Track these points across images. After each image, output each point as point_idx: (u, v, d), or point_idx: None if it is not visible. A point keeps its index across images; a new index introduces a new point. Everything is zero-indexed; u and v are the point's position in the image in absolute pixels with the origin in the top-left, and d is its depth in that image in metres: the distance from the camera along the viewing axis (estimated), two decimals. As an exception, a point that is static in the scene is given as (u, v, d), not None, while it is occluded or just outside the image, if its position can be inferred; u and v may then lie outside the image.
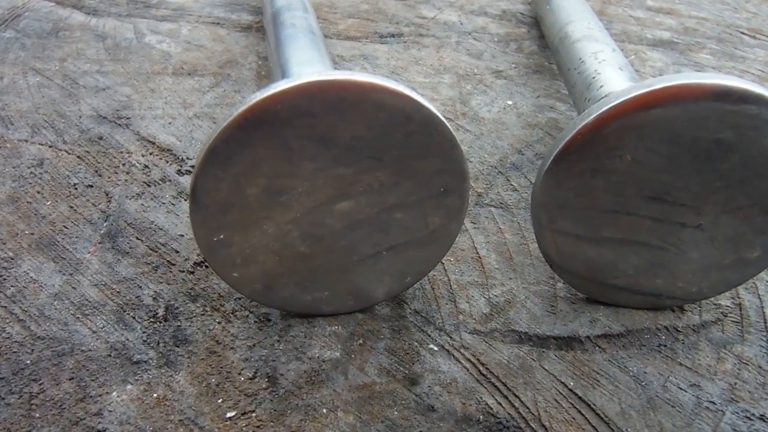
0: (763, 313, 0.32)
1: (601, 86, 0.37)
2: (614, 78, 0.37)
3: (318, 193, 0.28)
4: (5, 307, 0.30)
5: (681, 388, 0.28)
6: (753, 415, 0.27)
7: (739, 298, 0.33)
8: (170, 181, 0.38)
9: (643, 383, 0.29)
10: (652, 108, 0.27)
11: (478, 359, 0.29)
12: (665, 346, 0.30)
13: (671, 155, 0.28)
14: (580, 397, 0.28)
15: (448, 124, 0.27)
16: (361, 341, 0.30)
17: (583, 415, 0.27)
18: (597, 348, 0.30)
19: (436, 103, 0.47)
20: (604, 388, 0.28)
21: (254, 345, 0.29)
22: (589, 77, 0.38)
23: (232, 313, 0.31)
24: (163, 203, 0.36)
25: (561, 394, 0.28)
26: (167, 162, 0.39)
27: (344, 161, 0.27)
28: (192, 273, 0.33)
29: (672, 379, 0.29)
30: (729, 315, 0.32)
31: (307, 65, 0.37)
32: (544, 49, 0.54)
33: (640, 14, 0.61)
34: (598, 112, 0.27)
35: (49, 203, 0.36)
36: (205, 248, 0.28)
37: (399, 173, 0.28)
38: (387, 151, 0.27)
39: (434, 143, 0.27)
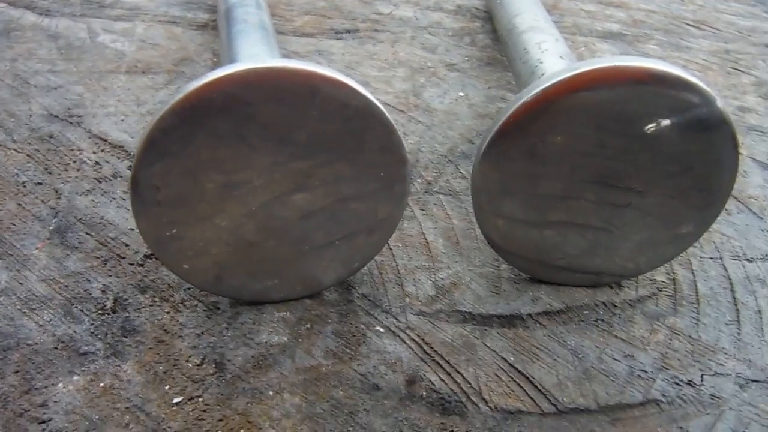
0: (696, 286, 0.33)
1: (543, 74, 0.38)
2: (555, 66, 0.38)
3: (274, 187, 0.28)
4: (-49, 303, 0.30)
5: (615, 359, 0.30)
6: (681, 380, 0.29)
7: (673, 273, 0.34)
8: (122, 176, 0.38)
9: (580, 356, 0.30)
10: (578, 91, 0.28)
11: (422, 339, 0.30)
12: (603, 320, 0.31)
13: (602, 137, 0.29)
14: (519, 371, 0.29)
15: (385, 111, 0.28)
16: (308, 326, 0.31)
17: (521, 387, 0.28)
18: (538, 324, 0.31)
19: (389, 96, 0.47)
20: (542, 362, 0.29)
21: (203, 333, 0.30)
22: (533, 66, 0.40)
23: (181, 303, 0.31)
24: (114, 198, 0.37)
25: (501, 368, 0.29)
26: (119, 158, 0.39)
27: (300, 155, 0.27)
28: (141, 265, 0.33)
29: (607, 350, 0.30)
30: (663, 289, 0.33)
31: (254, 59, 0.37)
32: (497, 42, 0.56)
33: (591, 8, 0.63)
34: (527, 97, 0.28)
35: (-3, 201, 0.36)
36: (153, 243, 0.28)
37: (347, 166, 0.28)
38: (327, 139, 0.28)
39: (373, 129, 0.28)
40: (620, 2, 0.64)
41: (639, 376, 0.29)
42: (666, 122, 0.28)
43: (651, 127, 0.28)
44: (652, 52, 0.56)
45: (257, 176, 0.28)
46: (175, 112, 0.25)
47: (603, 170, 0.30)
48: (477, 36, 0.57)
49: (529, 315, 0.32)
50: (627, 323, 0.31)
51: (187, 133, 0.26)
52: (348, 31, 0.56)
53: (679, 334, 0.31)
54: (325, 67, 0.26)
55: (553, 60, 0.39)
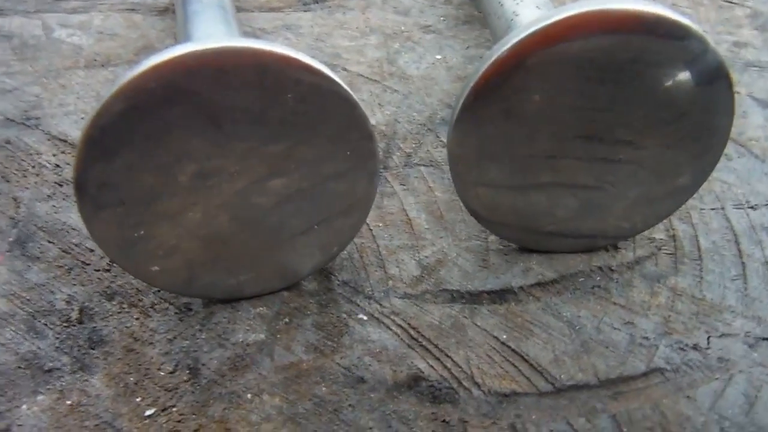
0: (697, 241, 0.31)
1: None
2: (531, 18, 0.36)
3: (249, 173, 0.26)
4: None
5: (615, 328, 0.28)
6: (686, 345, 0.27)
7: (672, 229, 0.32)
8: (83, 178, 0.36)
9: (577, 327, 0.28)
10: (554, 44, 0.25)
11: (408, 324, 0.28)
12: (599, 287, 0.29)
13: (584, 90, 0.27)
14: (513, 350, 0.27)
15: (343, 84, 0.25)
16: (287, 320, 0.29)
17: (516, 367, 0.27)
18: (531, 297, 0.29)
19: (362, 66, 0.45)
20: (537, 338, 0.28)
21: (175, 337, 0.28)
22: (508, 20, 0.37)
23: (151, 307, 0.29)
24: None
25: (494, 348, 0.27)
26: (80, 159, 0.37)
27: (267, 137, 0.25)
28: (108, 271, 0.31)
29: (606, 319, 0.28)
30: (663, 248, 0.31)
31: (210, 40, 0.35)
32: (473, -1, 0.53)
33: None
34: (497, 54, 0.26)
35: (-47, 216, 0.34)
36: (114, 248, 0.26)
37: (312, 141, 0.26)
38: (289, 120, 0.25)
39: (333, 105, 0.26)
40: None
41: (640, 344, 0.27)
42: (656, 71, 0.26)
43: (639, 78, 0.26)
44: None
45: (231, 163, 0.26)
46: (111, 107, 0.23)
47: (589, 124, 0.28)
48: (452, -6, 0.54)
49: (521, 288, 0.30)
50: (626, 288, 0.29)
51: (133, 126, 0.24)
52: (316, 2, 0.53)
53: (681, 295, 0.29)
54: (271, 42, 0.24)
55: (528, 11, 0.37)
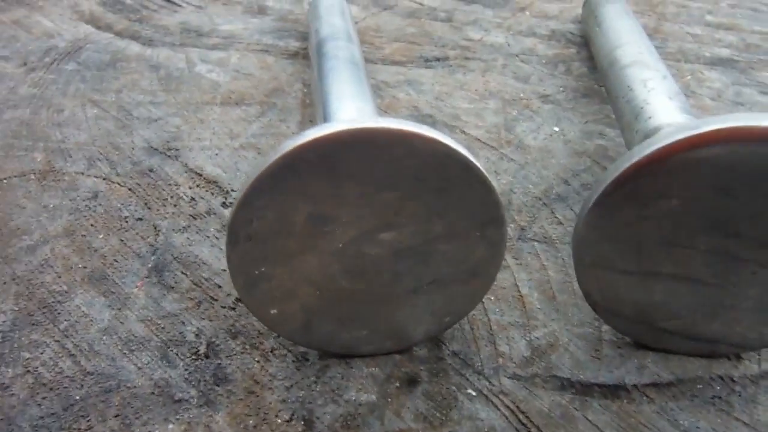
0: (828, 364, 0.30)
1: (650, 117, 0.36)
2: (663, 109, 0.36)
3: (362, 223, 0.28)
4: (59, 341, 0.31)
5: (735, 446, 0.27)
6: (814, 480, 0.26)
7: (801, 346, 0.31)
8: (215, 213, 0.39)
9: (694, 439, 0.27)
10: (699, 149, 0.26)
11: (517, 407, 0.29)
12: (720, 398, 0.29)
13: (727, 195, 0.27)
14: (624, 452, 0.27)
15: (483, 170, 0.27)
16: (397, 384, 0.30)
17: (627, 471, 0.26)
18: (645, 398, 0.29)
19: (480, 131, 0.46)
20: (650, 443, 0.27)
21: (292, 386, 0.30)
22: (638, 107, 0.37)
23: (270, 352, 0.31)
24: (208, 237, 0.37)
25: (604, 447, 0.27)
26: (213, 194, 0.40)
27: (390, 190, 0.27)
28: (233, 309, 0.33)
29: (725, 435, 0.27)
30: (790, 365, 0.30)
31: (347, 100, 0.37)
32: (594, 71, 0.53)
33: (698, 30, 0.59)
34: (641, 155, 0.26)
35: (101, 236, 0.37)
36: (242, 286, 0.28)
37: (439, 206, 0.28)
38: (422, 197, 0.27)
39: (470, 188, 0.27)
40: (731, 24, 0.60)
41: (762, 468, 0.26)
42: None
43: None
44: (768, 82, 0.51)
45: (346, 211, 0.27)
46: (271, 172, 0.25)
47: (726, 227, 0.28)
48: (572, 64, 0.54)
49: (635, 386, 0.29)
50: (749, 404, 0.28)
51: (282, 184, 0.26)
52: (438, 59, 0.55)
53: (809, 421, 0.28)
54: (422, 126, 0.26)
55: (660, 101, 0.37)
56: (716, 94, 0.50)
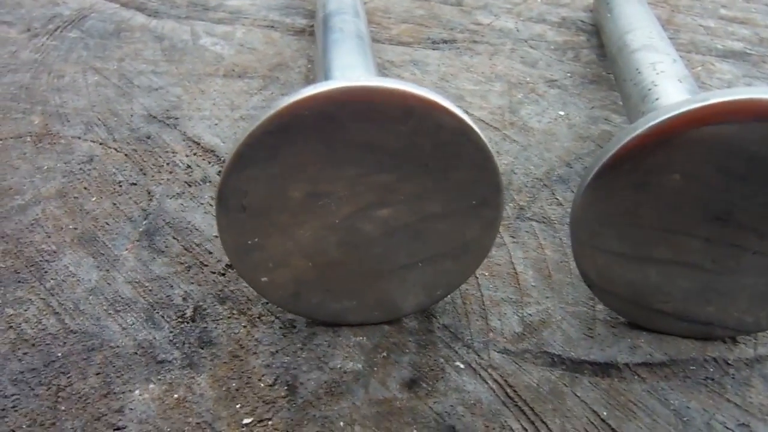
0: (828, 351, 0.29)
1: (657, 99, 0.35)
2: (672, 91, 0.35)
3: (358, 199, 0.27)
4: (44, 299, 0.31)
5: (727, 428, 0.26)
6: (807, 465, 0.25)
7: (800, 332, 0.30)
8: (210, 181, 0.38)
9: (685, 419, 0.27)
10: (705, 125, 0.25)
11: (506, 380, 0.28)
12: (712, 379, 0.28)
13: (729, 175, 0.26)
14: (613, 429, 0.26)
15: (482, 135, 0.26)
16: (385, 354, 0.29)
17: (614, 449, 0.26)
18: (636, 377, 0.28)
19: (483, 111, 0.45)
20: (640, 421, 0.27)
21: (277, 351, 0.29)
22: (645, 89, 0.36)
23: (258, 318, 0.31)
24: (202, 203, 0.37)
25: (592, 423, 0.26)
26: (209, 163, 0.40)
27: (386, 168, 0.26)
28: (223, 275, 0.33)
29: (718, 416, 0.27)
30: (788, 351, 0.29)
31: (348, 70, 0.36)
32: (603, 59, 0.52)
33: (711, 23, 0.58)
34: (644, 127, 0.25)
35: (94, 199, 0.37)
36: (234, 252, 0.28)
37: (435, 182, 0.27)
38: (418, 160, 0.26)
39: (467, 154, 0.26)
40: (745, 18, 0.59)
41: (754, 451, 0.25)
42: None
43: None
44: (780, 75, 0.50)
45: (342, 187, 0.27)
46: (264, 129, 0.25)
47: (722, 207, 0.27)
48: (581, 51, 0.53)
49: (627, 365, 0.29)
50: (742, 386, 0.28)
51: (276, 146, 0.25)
52: (445, 41, 0.54)
53: (805, 406, 0.27)
54: (420, 87, 0.25)
55: (669, 83, 0.36)
56: (726, 85, 0.49)
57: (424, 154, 0.26)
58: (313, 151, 0.26)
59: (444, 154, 0.26)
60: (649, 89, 0.36)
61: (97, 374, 0.28)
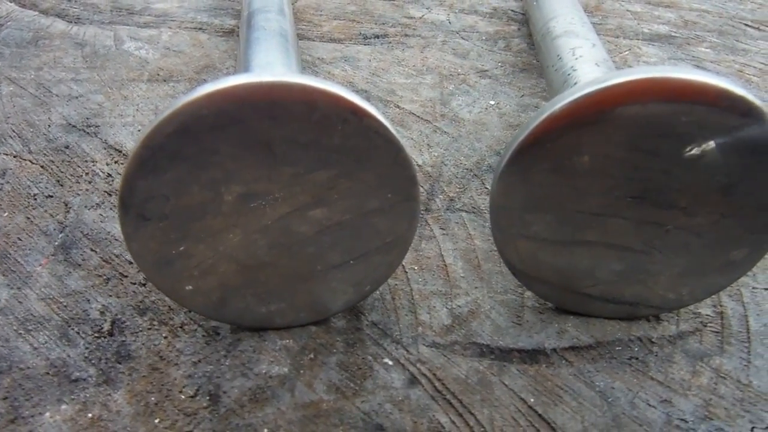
0: (747, 321, 0.30)
1: (575, 83, 0.35)
2: (589, 74, 0.35)
3: (292, 200, 0.26)
4: (-51, 322, 0.29)
5: (650, 405, 0.26)
6: (726, 435, 0.25)
7: (721, 306, 0.31)
8: (132, 190, 0.37)
9: (610, 399, 0.27)
10: (608, 108, 0.25)
11: (434, 374, 0.28)
12: (637, 359, 0.28)
13: (640, 153, 0.26)
14: (540, 415, 0.26)
15: (391, 128, 0.25)
16: (312, 356, 0.29)
17: (541, 435, 0.25)
18: (563, 361, 0.28)
19: (414, 105, 0.45)
20: (566, 405, 0.27)
21: (199, 361, 0.28)
22: (565, 74, 0.37)
23: (180, 327, 0.30)
24: (122, 213, 0.35)
25: (520, 411, 0.26)
26: (131, 170, 0.38)
27: (298, 164, 0.26)
28: (144, 285, 0.31)
29: (641, 394, 0.27)
30: (709, 325, 0.30)
31: (267, 68, 0.35)
32: (533, 47, 0.52)
33: (638, 8, 0.59)
34: (551, 110, 0.25)
35: (6, 215, 0.35)
36: (151, 264, 0.27)
37: (351, 179, 0.26)
38: (329, 157, 0.26)
39: (378, 147, 0.26)
40: (670, 2, 0.60)
41: (677, 426, 0.26)
42: (712, 144, 0.25)
43: (694, 148, 0.25)
44: (703, 56, 0.51)
45: (276, 188, 0.26)
46: (163, 128, 0.24)
47: (641, 186, 0.27)
48: (512, 40, 0.53)
49: (554, 350, 0.29)
50: (665, 363, 0.28)
51: (183, 147, 0.24)
52: (377, 36, 0.54)
53: (725, 378, 0.27)
54: (323, 80, 0.24)
55: (587, 67, 0.36)
56: (652, 67, 0.50)
57: (335, 150, 0.25)
58: (226, 152, 0.25)
59: (355, 149, 0.25)
60: (569, 74, 0.36)
61: (4, 399, 0.26)
